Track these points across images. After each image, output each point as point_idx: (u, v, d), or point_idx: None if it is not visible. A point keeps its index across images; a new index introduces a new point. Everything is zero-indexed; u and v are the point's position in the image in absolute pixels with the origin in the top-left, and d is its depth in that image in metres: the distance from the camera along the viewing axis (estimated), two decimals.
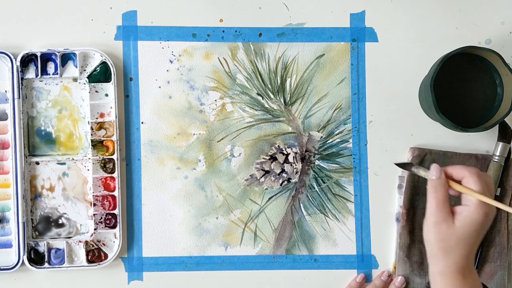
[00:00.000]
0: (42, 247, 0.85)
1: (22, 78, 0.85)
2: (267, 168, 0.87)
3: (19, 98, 0.84)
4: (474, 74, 0.84)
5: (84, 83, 0.86)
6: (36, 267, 0.84)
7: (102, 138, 0.85)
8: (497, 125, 0.85)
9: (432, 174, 0.73)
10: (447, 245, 0.71)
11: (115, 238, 0.85)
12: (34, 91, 0.86)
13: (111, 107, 0.85)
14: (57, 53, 0.85)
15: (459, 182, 0.73)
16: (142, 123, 0.87)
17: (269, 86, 0.87)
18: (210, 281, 0.87)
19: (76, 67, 0.85)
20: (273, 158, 0.87)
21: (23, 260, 0.84)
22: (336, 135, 0.87)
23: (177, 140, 0.87)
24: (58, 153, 0.86)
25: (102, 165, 0.85)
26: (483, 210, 0.71)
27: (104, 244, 0.86)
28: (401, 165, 0.78)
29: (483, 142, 0.87)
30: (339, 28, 0.87)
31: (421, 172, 0.76)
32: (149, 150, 0.87)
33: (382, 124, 0.87)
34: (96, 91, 0.85)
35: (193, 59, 0.87)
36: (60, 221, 0.86)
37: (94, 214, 0.85)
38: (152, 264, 0.86)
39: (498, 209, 0.72)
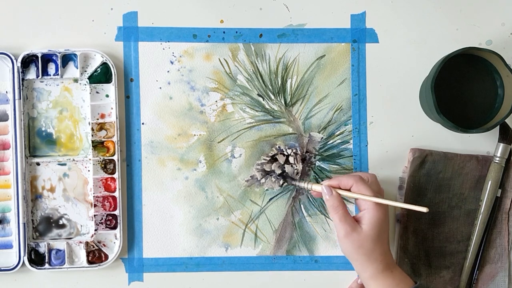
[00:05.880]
0: (42, 248, 0.85)
1: (23, 79, 0.85)
2: (267, 169, 0.87)
3: (20, 99, 0.84)
4: (475, 75, 0.84)
5: (85, 84, 0.86)
6: (36, 268, 0.84)
7: (103, 139, 0.85)
8: (498, 126, 0.85)
9: (325, 194, 0.80)
10: (366, 250, 0.77)
11: (116, 239, 0.85)
12: (34, 92, 0.86)
13: (112, 108, 0.85)
14: (57, 54, 0.85)
15: (348, 190, 0.80)
16: (142, 124, 0.87)
17: (270, 87, 0.87)
18: (211, 282, 0.87)
19: (77, 68, 0.85)
20: (273, 159, 0.87)
21: (23, 261, 0.84)
22: (337, 136, 0.87)
23: (178, 141, 0.87)
24: (59, 154, 0.86)
25: (102, 166, 0.85)
26: (381, 207, 0.78)
27: (104, 245, 0.85)
28: (288, 180, 0.85)
29: (484, 143, 0.87)
30: (339, 29, 0.87)
31: (303, 185, 0.83)
32: (150, 151, 0.86)
33: (383, 125, 0.87)
34: (97, 92, 0.85)
35: (193, 60, 0.87)
36: (61, 222, 0.86)
37: (94, 215, 0.85)
38: (153, 265, 0.86)
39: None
